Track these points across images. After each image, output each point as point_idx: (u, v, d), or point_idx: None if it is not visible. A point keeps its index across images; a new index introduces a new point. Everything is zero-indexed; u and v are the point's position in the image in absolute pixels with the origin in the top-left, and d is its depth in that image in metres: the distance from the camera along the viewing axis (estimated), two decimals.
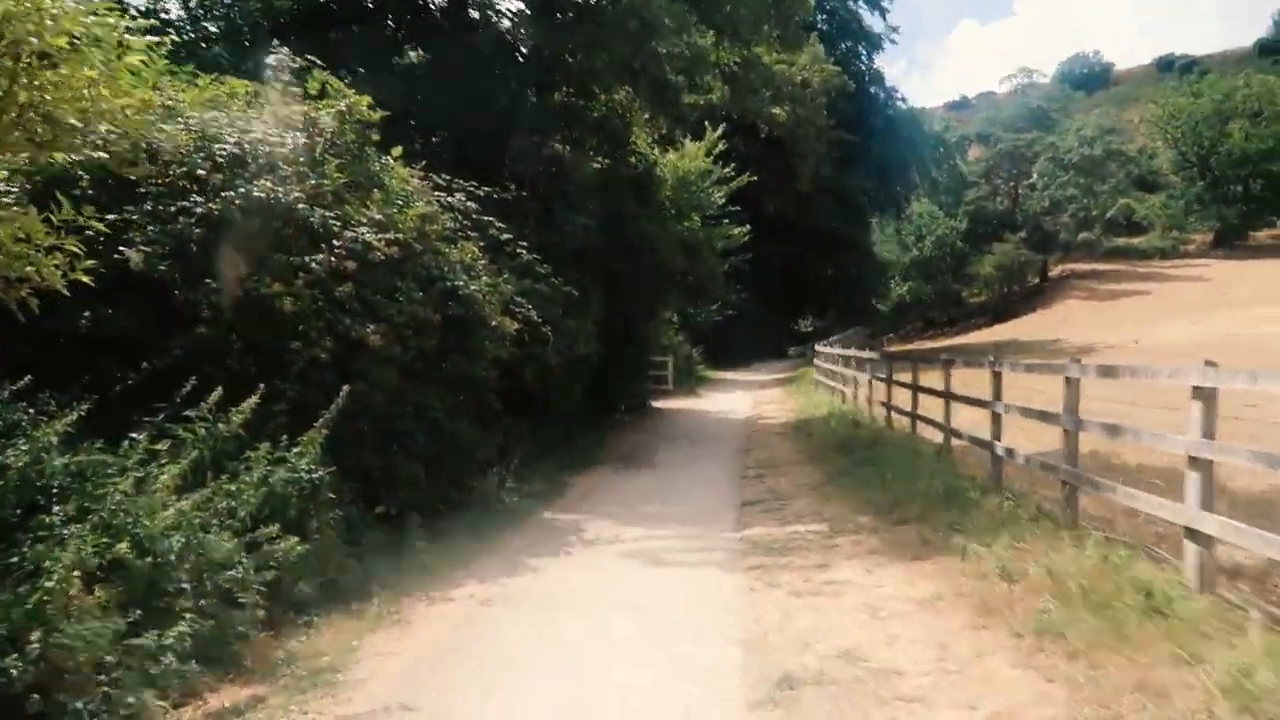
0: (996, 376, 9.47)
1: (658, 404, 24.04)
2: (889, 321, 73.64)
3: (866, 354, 18.64)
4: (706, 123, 31.04)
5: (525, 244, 12.37)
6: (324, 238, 8.14)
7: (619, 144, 18.30)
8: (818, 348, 29.39)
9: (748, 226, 28.99)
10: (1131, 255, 78.47)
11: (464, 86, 15.32)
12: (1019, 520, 7.32)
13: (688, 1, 16.09)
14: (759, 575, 7.08)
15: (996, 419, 9.45)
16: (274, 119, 8.80)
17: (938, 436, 13.07)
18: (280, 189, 8.07)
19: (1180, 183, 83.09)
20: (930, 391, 12.73)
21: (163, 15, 16.22)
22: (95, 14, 3.78)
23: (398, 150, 9.78)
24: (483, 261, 10.37)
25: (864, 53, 58.26)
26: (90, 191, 7.69)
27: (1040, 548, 6.39)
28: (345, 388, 6.95)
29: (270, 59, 9.57)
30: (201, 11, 17.32)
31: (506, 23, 17.71)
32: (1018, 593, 5.78)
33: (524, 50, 17.04)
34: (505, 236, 10.62)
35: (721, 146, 28.26)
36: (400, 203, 9.12)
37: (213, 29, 17.11)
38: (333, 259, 7.95)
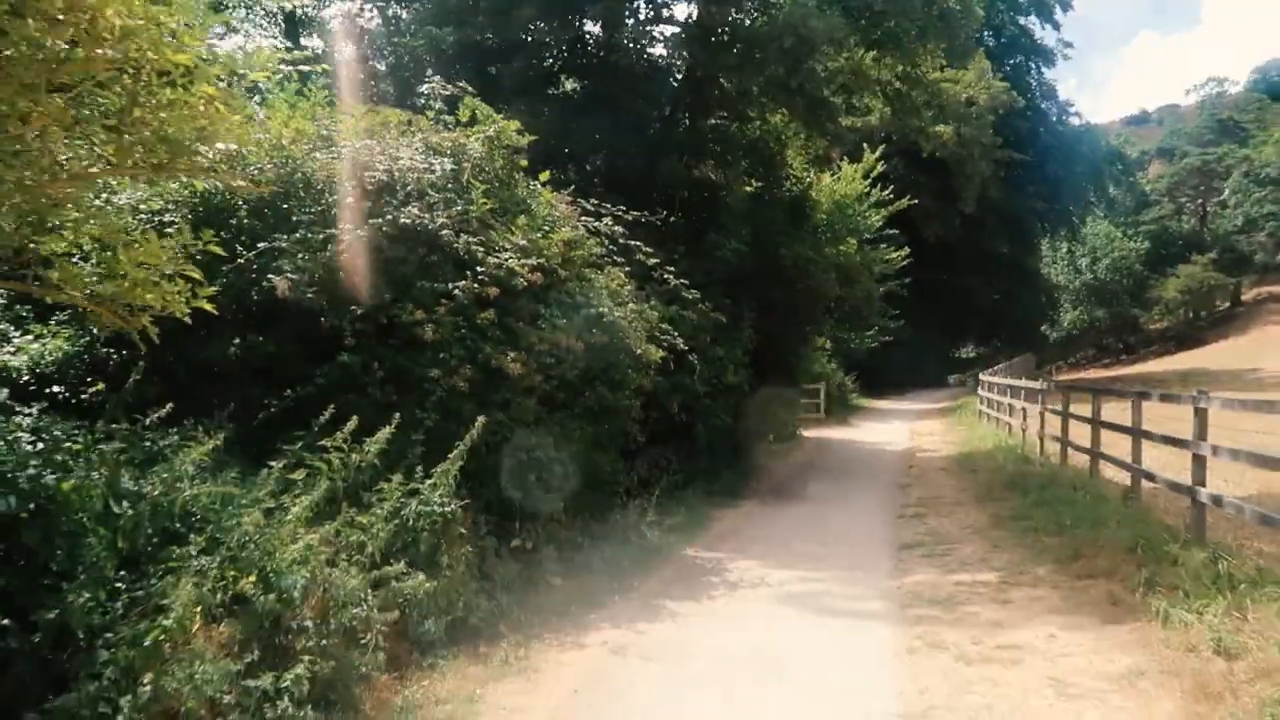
0: (1200, 414, 8.36)
1: (809, 433, 23.21)
2: (1058, 349, 69.55)
3: (1038, 384, 17.28)
4: (865, 144, 30.21)
5: (673, 269, 12.05)
6: (468, 264, 8.02)
7: (773, 167, 17.79)
8: (982, 376, 27.75)
9: (906, 250, 27.83)
10: None
11: (616, 112, 15.24)
12: (1235, 582, 6.31)
13: (847, 15, 15.48)
14: (921, 633, 6.37)
15: (1200, 461, 8.34)
16: (424, 146, 8.82)
17: (1122, 477, 11.89)
18: (426, 215, 8.03)
19: None
20: (1114, 427, 11.54)
21: (332, 54, 17.01)
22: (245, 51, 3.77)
23: (545, 175, 9.65)
24: (629, 287, 10.08)
25: (1034, 67, 55.45)
26: (246, 220, 7.93)
27: (1266, 617, 5.44)
28: (480, 418, 6.72)
29: (423, 88, 9.65)
30: (371, 51, 18.02)
31: (660, 48, 17.58)
32: (1239, 674, 4.89)
33: (677, 74, 16.83)
34: (652, 261, 10.26)
35: (880, 168, 27.32)
36: (546, 228, 8.94)
37: (380, 67, 17.75)
38: (475, 285, 7.81)
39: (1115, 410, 14.67)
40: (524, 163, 9.57)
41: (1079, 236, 64.00)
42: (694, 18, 15.69)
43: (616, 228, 9.95)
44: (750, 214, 15.23)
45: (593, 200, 10.38)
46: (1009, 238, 51.51)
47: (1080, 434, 14.14)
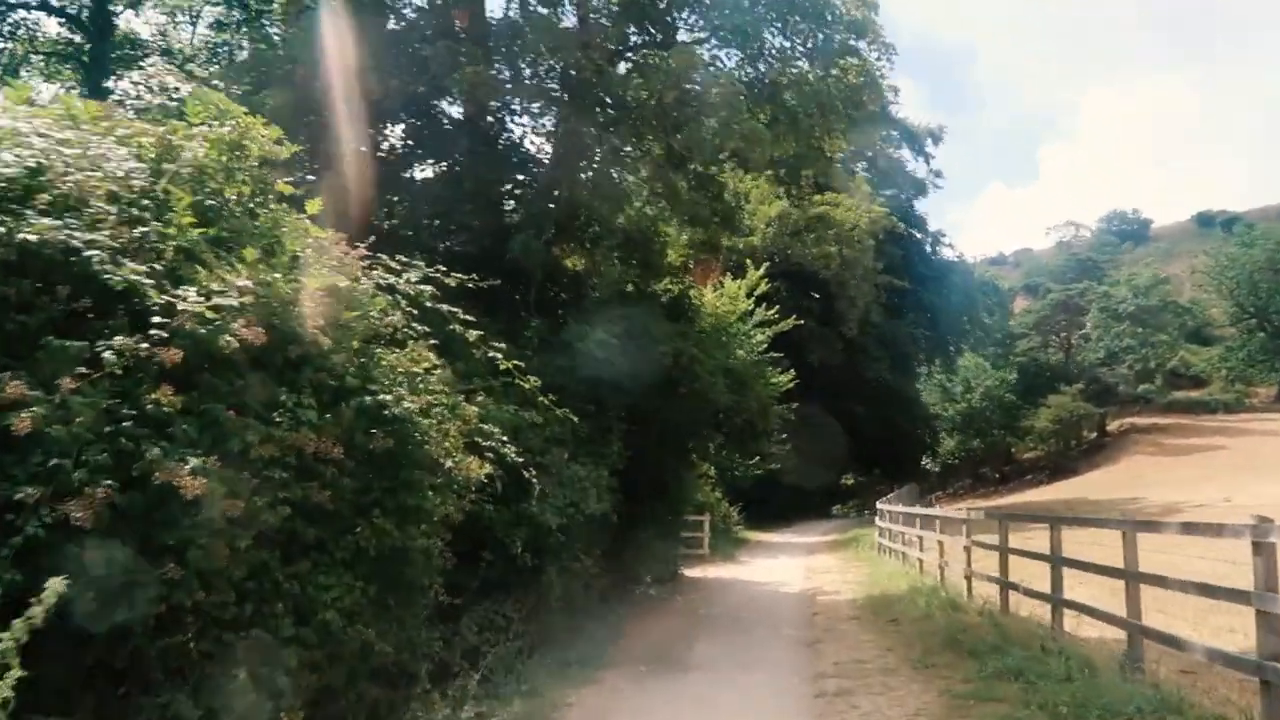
0: (1267, 550, 5.72)
1: (692, 572, 20.06)
2: (937, 478, 69.17)
3: (960, 513, 14.76)
4: (748, 260, 28.44)
5: (519, 363, 9.04)
6: (146, 312, 4.83)
7: (650, 262, 15.26)
8: (880, 506, 25.40)
9: (793, 372, 25.78)
10: (1194, 409, 74.13)
11: (462, 182, 12.51)
12: None
13: (746, 86, 13.44)
14: None
15: (1270, 621, 5.65)
16: (114, 141, 5.70)
17: (1099, 632, 9.28)
18: (77, 234, 4.84)
19: (1238, 334, 79.58)
20: (1092, 568, 8.92)
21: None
22: None
23: (315, 205, 6.58)
24: (442, 372, 6.98)
25: (907, 199, 56.48)
26: None
27: None
28: (54, 582, 3.40)
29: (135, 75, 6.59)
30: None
31: (525, 119, 15.08)
32: None
33: (543, 141, 14.34)
34: (473, 334, 7.11)
35: (764, 286, 25.47)
36: (295, 271, 5.83)
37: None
38: (143, 346, 4.59)
39: (1039, 543, 12.33)
40: (287, 188, 6.52)
41: (954, 366, 64.54)
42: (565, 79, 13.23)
43: (424, 287, 6.90)
44: (622, 304, 12.48)
45: (399, 259, 7.31)
46: (890, 364, 50.99)
47: (1026, 574, 11.58)
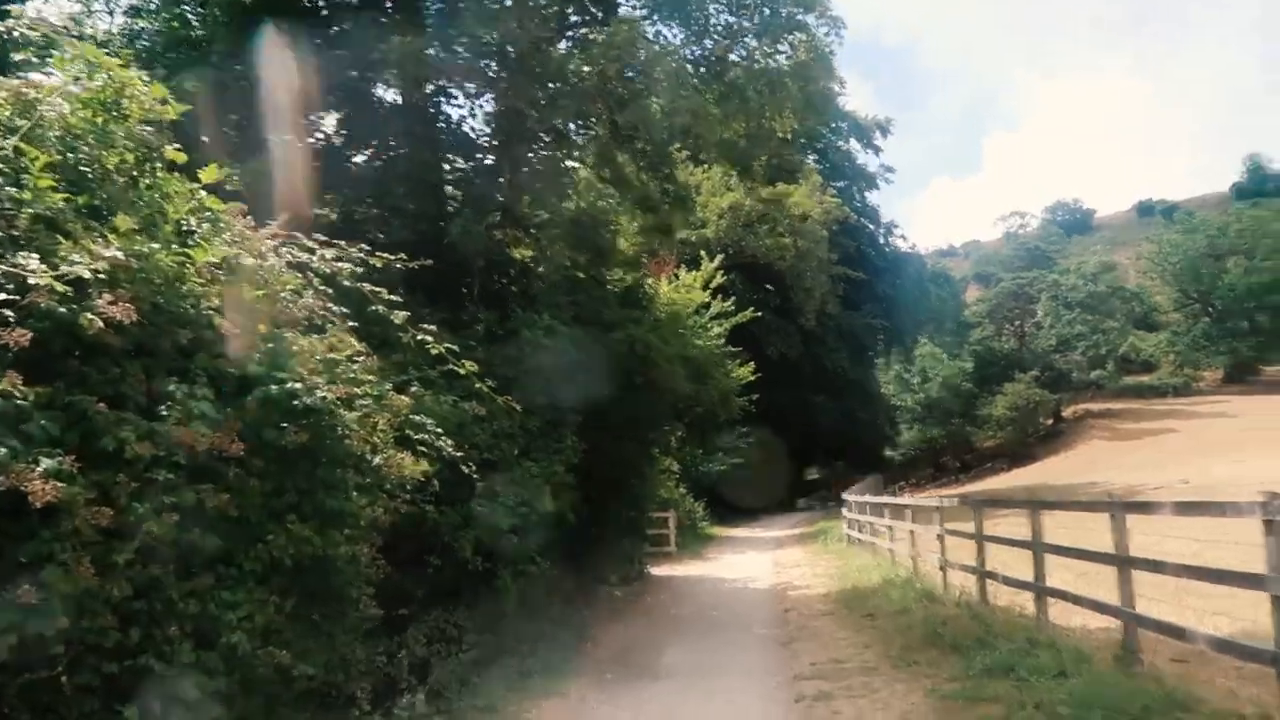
0: (1278, 529, 5.18)
1: (659, 571, 19.38)
2: (899, 469, 69.28)
3: (932, 500, 14.26)
4: (703, 252, 27.87)
5: (456, 351, 8.30)
6: None
7: (599, 248, 14.54)
8: (846, 496, 24.94)
9: (752, 365, 25.31)
10: (1145, 393, 75.21)
11: (397, 165, 11.72)
12: None
13: (691, 64, 12.80)
14: None
15: None
16: None
17: (1084, 620, 8.79)
18: None
19: (1183, 320, 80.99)
20: (1078, 554, 8.39)
21: None
22: None
23: (210, 171, 5.77)
24: (366, 360, 6.20)
25: (858, 191, 56.36)
26: None
27: None
28: None
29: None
30: None
31: (460, 109, 14.30)
32: None
33: (484, 121, 13.58)
34: (399, 316, 6.27)
35: (720, 279, 24.91)
36: (177, 241, 5.03)
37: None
38: None
39: (1014, 527, 11.89)
40: (179, 156, 5.71)
41: (911, 356, 64.67)
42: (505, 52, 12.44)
43: (341, 265, 6.12)
44: (572, 292, 11.76)
45: (317, 237, 6.50)
46: (849, 355, 50.80)
47: (999, 562, 11.09)
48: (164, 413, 4.53)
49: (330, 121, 14.23)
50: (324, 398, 5.31)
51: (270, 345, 5.44)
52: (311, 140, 13.51)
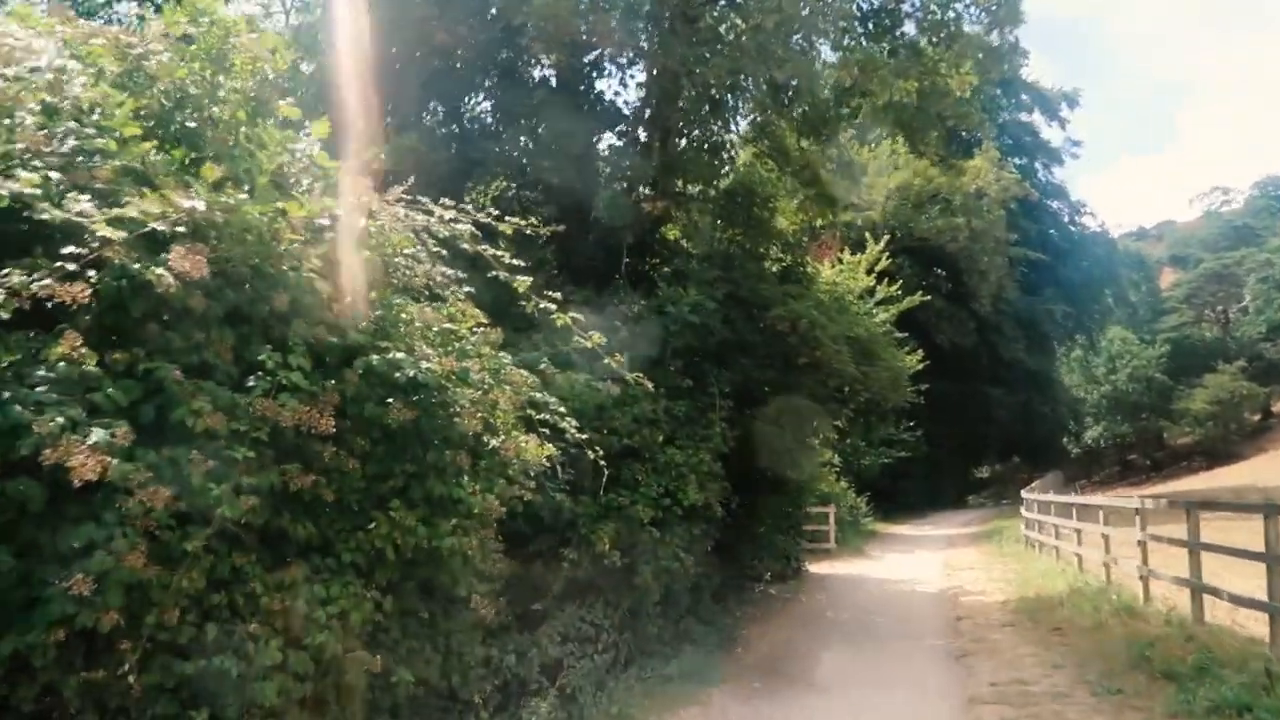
0: None
1: (817, 569, 18.33)
2: (1080, 465, 64.49)
3: (1132, 501, 12.61)
4: (868, 234, 26.44)
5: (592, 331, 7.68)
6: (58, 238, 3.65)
7: (756, 221, 13.64)
8: (1025, 495, 23.02)
9: (921, 353, 23.81)
10: None
11: (541, 130, 11.27)
12: None
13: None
14: None
15: None
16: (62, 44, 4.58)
17: None
18: None
19: None
20: None
21: None
22: None
23: (324, 126, 5.31)
24: (488, 334, 5.62)
25: (1042, 167, 52.59)
26: None
27: None
28: None
29: None
30: None
31: (609, 78, 13.70)
32: None
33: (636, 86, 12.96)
34: (519, 281, 5.59)
35: (885, 262, 23.47)
36: (277, 196, 4.56)
37: None
38: (33, 277, 3.39)
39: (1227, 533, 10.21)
40: (293, 112, 5.29)
41: (1097, 344, 59.95)
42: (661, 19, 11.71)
43: (460, 226, 5.54)
44: (725, 268, 10.93)
45: (444, 201, 5.96)
46: (1027, 344, 47.40)
47: (1211, 571, 9.55)
48: (250, 384, 4.06)
49: (484, 104, 14.00)
50: (432, 371, 4.75)
51: (379, 313, 4.93)
52: (466, 124, 13.32)
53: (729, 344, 10.24)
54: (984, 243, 38.05)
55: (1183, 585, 9.97)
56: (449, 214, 5.68)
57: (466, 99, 13.65)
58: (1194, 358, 65.26)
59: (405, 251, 5.30)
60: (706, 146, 13.15)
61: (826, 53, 11.04)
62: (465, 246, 5.56)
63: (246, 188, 4.41)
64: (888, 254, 24.71)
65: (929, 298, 30.65)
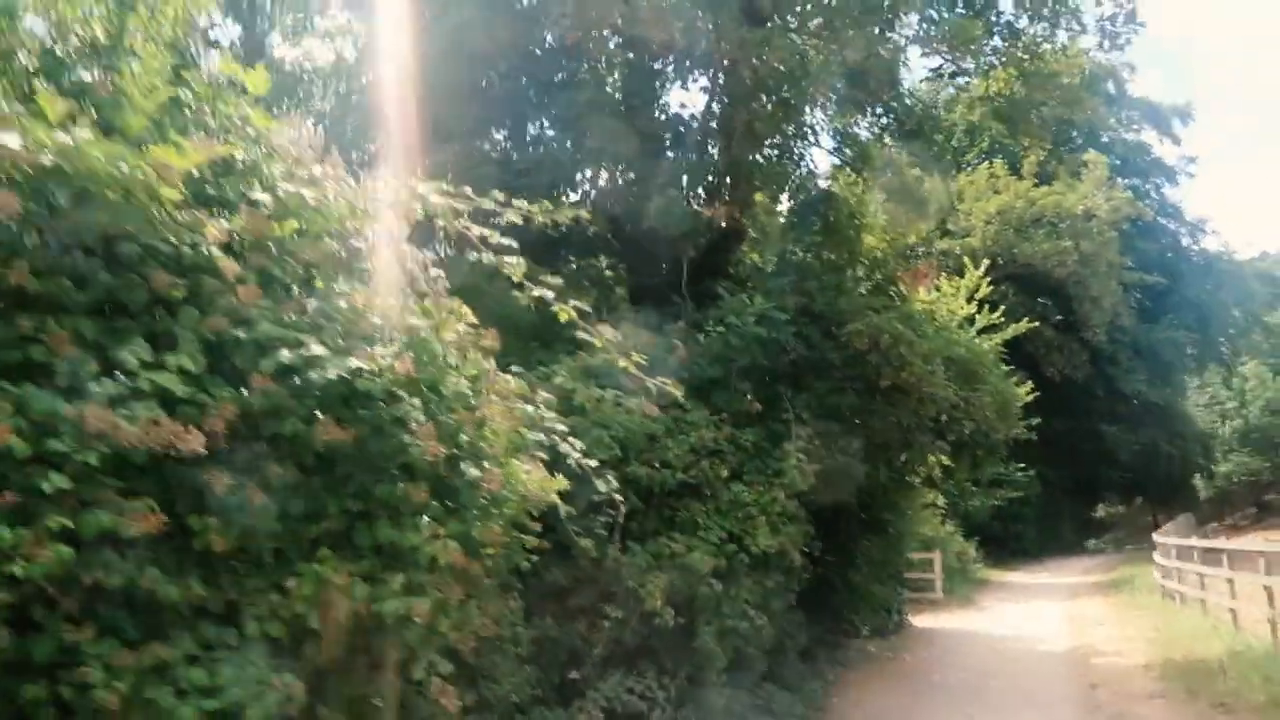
0: None
1: (921, 621, 16.47)
2: (1210, 506, 59.70)
3: None
4: (967, 259, 24.61)
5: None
6: None
7: (839, 239, 12.26)
8: (1157, 539, 20.62)
9: (1030, 385, 21.79)
10: None
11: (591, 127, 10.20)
12: None
13: None
14: None
15: None
16: None
17: None
18: None
19: None
20: None
21: None
22: None
23: (259, 77, 4.21)
24: (471, 332, 4.41)
25: (1155, 186, 49.37)
26: None
27: None
28: None
29: None
30: None
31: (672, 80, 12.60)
32: None
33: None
34: (540, 283, 4.41)
35: (987, 289, 21.60)
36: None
37: None
38: None
39: None
40: (231, 68, 4.22)
41: (1228, 375, 55.65)
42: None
43: (435, 198, 4.37)
44: (800, 276, 9.55)
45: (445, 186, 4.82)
46: (1148, 376, 44.04)
47: None
48: (95, 389, 2.94)
49: (538, 118, 13.05)
50: (375, 374, 3.56)
51: (315, 302, 3.78)
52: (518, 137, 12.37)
53: (804, 363, 8.84)
54: (1095, 267, 35.48)
55: None
56: (428, 189, 4.54)
57: (521, 113, 12.75)
58: None
59: (352, 225, 4.15)
60: (778, 153, 11.91)
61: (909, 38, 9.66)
62: (439, 222, 4.39)
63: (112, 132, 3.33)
64: (990, 281, 22.91)
65: (1036, 324, 28.46)
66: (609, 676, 6.66)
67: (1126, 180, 47.36)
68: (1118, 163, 46.48)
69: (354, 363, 3.48)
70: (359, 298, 3.88)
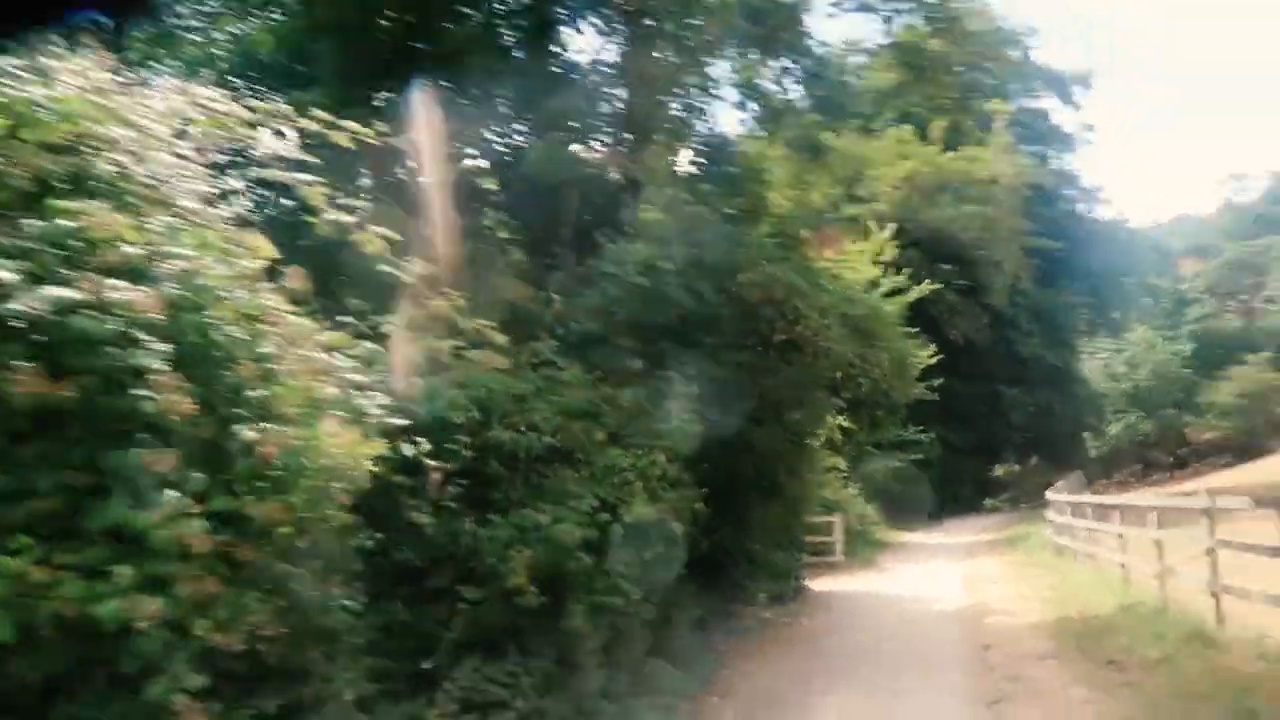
0: None
1: (820, 585, 16.25)
2: (1100, 465, 62.17)
3: (1199, 500, 10.52)
4: (873, 223, 24.46)
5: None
6: None
7: (741, 193, 11.68)
8: (1050, 496, 20.91)
9: (933, 347, 21.81)
10: None
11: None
12: None
13: None
14: None
15: None
16: None
17: None
18: None
19: None
20: None
21: None
22: None
23: None
24: (241, 253, 3.63)
25: (1055, 155, 50.34)
26: None
27: None
28: None
29: None
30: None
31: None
32: None
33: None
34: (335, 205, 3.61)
35: (893, 252, 21.42)
36: None
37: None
38: None
39: None
40: None
41: (1119, 338, 57.80)
42: None
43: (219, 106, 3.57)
44: (690, 228, 8.93)
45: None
46: (1045, 339, 45.24)
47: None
48: None
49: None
50: (106, 314, 2.78)
51: (39, 223, 2.97)
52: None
53: (694, 318, 8.24)
54: (997, 232, 36.06)
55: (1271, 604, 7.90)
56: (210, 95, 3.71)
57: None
58: (1219, 350, 63.03)
59: (108, 135, 3.32)
60: (680, 105, 11.24)
61: None
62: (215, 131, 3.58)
63: None
64: (897, 246, 22.83)
65: (940, 287, 28.67)
66: (465, 663, 6.00)
67: (1027, 147, 48.23)
68: (1021, 130, 47.27)
69: (60, 293, 2.69)
70: (109, 220, 3.07)
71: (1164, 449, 63.22)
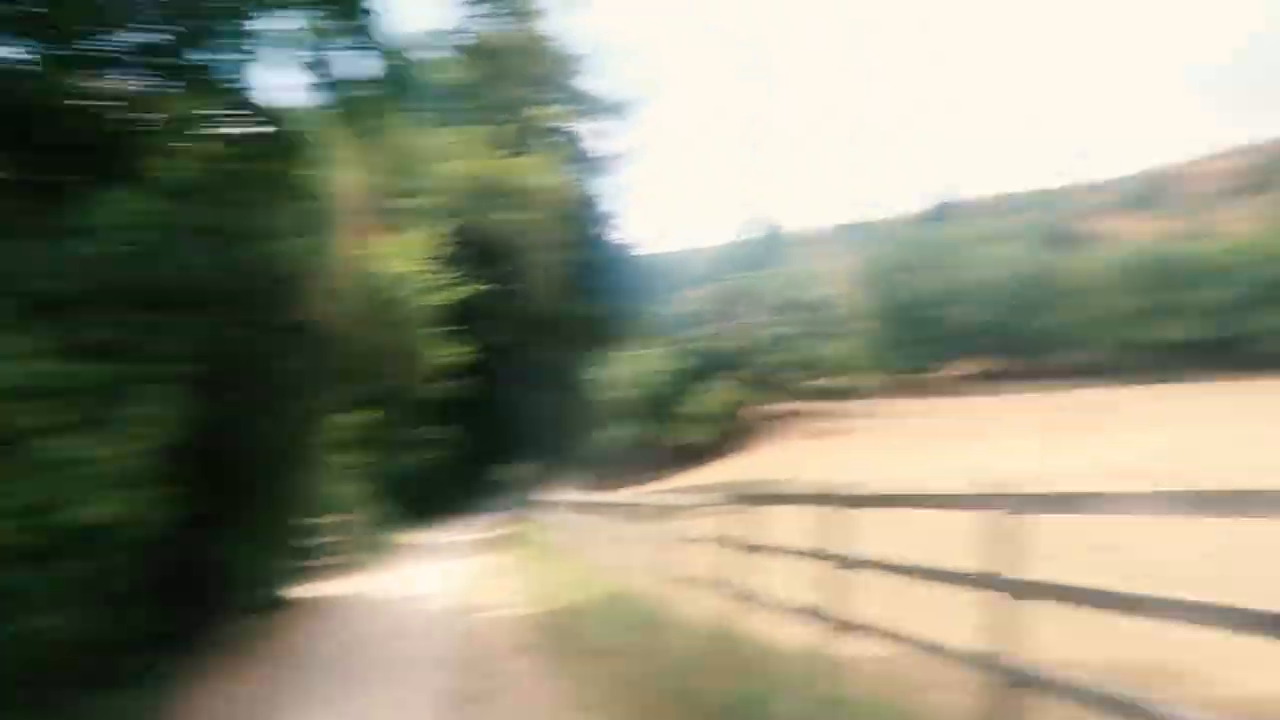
0: None
1: (318, 590, 15.49)
2: (609, 467, 68.82)
3: (684, 497, 11.73)
4: (420, 220, 24.27)
5: None
6: None
7: (268, 153, 10.55)
8: (551, 498, 22.30)
9: (463, 348, 22.14)
10: (839, 395, 79.36)
11: None
12: None
13: None
14: None
15: None
16: None
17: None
18: None
19: (867, 328, 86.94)
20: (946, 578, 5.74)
21: None
22: None
23: None
24: None
25: (590, 178, 54.24)
26: None
27: None
28: None
29: None
30: None
31: None
32: None
33: None
34: None
35: (437, 250, 21.44)
36: None
37: None
38: None
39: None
40: None
41: (631, 352, 64.50)
42: None
43: None
44: (207, 187, 7.81)
45: None
46: (566, 348, 48.57)
47: (779, 577, 8.61)
48: None
49: None
50: None
51: None
52: None
53: (190, 289, 7.25)
54: (539, 242, 37.89)
55: (739, 595, 8.96)
56: None
57: None
58: (706, 368, 73.57)
59: None
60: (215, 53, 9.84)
61: None
62: None
63: None
64: (455, 244, 22.86)
65: (484, 288, 29.33)
66: None
67: (568, 166, 51.50)
68: (565, 147, 50.35)
69: None
70: None
71: (659, 452, 72.03)
